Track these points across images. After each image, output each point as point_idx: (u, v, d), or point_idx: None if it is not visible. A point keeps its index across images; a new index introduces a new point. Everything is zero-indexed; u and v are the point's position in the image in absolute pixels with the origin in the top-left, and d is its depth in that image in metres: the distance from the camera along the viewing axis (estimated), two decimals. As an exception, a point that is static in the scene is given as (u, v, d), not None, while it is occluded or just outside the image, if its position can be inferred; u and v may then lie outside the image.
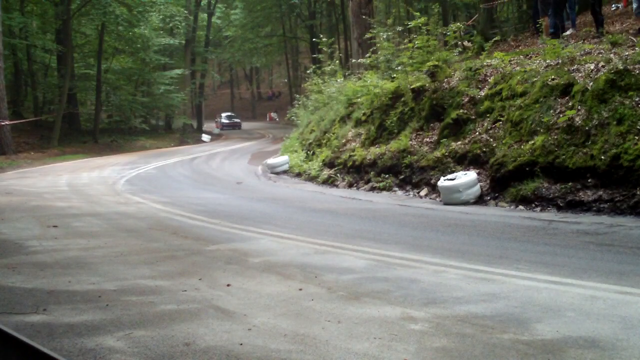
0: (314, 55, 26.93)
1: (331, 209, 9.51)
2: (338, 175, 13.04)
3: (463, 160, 9.96)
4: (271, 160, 16.97)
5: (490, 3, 16.55)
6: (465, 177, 9.17)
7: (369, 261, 5.62)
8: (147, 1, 28.93)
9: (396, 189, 11.04)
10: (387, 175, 11.39)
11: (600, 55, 9.12)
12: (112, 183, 14.33)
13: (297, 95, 21.22)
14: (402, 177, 11.05)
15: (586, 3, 11.31)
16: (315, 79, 18.91)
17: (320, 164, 14.19)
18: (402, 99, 12.31)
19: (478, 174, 9.39)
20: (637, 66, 8.15)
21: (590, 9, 11.26)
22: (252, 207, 9.87)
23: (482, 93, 10.60)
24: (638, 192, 7.23)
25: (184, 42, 37.66)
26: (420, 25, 12.51)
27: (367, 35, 15.72)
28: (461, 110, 10.59)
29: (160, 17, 32.98)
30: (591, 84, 8.45)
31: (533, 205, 8.24)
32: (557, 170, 8.20)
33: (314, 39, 28.35)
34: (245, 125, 48.28)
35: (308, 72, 22.64)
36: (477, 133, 10.09)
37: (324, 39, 18.90)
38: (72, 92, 29.22)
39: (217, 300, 4.39)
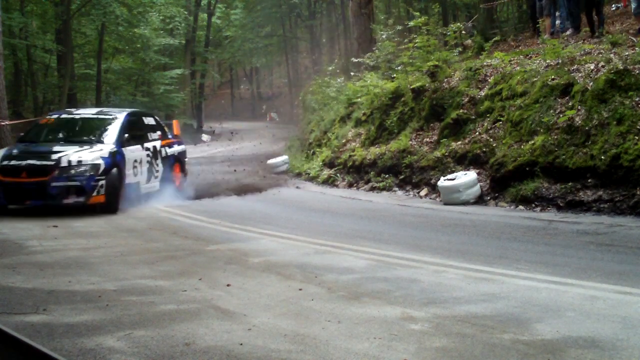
0: (314, 54, 26.89)
1: (331, 209, 9.51)
2: (338, 175, 13.03)
3: (463, 160, 9.95)
4: (271, 161, 16.96)
5: (490, 3, 16.55)
6: (465, 177, 9.17)
7: (369, 261, 5.62)
8: (147, 1, 28.88)
9: (396, 189, 11.04)
10: (387, 175, 11.38)
11: (600, 55, 9.12)
12: (112, 183, 14.30)
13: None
14: (402, 177, 11.04)
15: (587, 3, 11.23)
16: (316, 78, 18.87)
17: (320, 164, 14.18)
18: (402, 99, 12.30)
19: (478, 174, 9.39)
20: (637, 66, 8.15)
21: (594, 9, 11.05)
22: (252, 207, 9.87)
23: (482, 93, 10.59)
24: (638, 192, 7.23)
25: (184, 42, 37.60)
26: (420, 25, 12.50)
27: (367, 36, 15.71)
28: (461, 110, 10.59)
29: (161, 17, 32.95)
30: (591, 84, 8.45)
31: (533, 205, 8.24)
32: (557, 170, 8.20)
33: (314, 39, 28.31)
34: (245, 125, 48.10)
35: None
36: (477, 133, 10.09)
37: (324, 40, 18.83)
38: (72, 92, 29.14)
39: (217, 300, 4.39)
